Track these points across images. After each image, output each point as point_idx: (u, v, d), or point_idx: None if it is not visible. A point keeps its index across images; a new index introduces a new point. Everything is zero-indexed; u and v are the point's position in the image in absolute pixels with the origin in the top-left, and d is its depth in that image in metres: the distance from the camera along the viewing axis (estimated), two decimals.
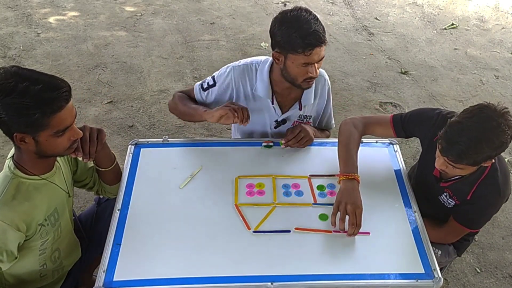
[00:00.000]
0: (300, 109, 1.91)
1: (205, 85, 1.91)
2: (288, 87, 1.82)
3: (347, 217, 1.52)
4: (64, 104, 1.29)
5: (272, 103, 1.89)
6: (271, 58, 1.81)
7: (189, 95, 1.95)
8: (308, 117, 1.97)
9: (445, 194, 1.68)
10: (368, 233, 1.55)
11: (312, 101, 1.92)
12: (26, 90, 1.22)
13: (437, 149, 1.49)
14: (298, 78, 1.72)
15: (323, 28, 1.66)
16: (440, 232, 1.70)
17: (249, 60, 1.90)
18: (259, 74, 1.85)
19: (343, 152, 1.71)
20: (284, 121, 1.94)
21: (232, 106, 1.73)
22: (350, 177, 1.60)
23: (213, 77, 1.90)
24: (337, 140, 1.82)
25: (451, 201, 1.67)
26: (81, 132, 1.40)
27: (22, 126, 1.27)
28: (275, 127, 1.96)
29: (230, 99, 1.88)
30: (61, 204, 1.52)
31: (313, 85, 1.87)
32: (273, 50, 1.73)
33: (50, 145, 1.33)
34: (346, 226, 1.52)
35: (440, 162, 1.51)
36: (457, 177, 1.62)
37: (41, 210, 1.42)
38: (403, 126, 1.75)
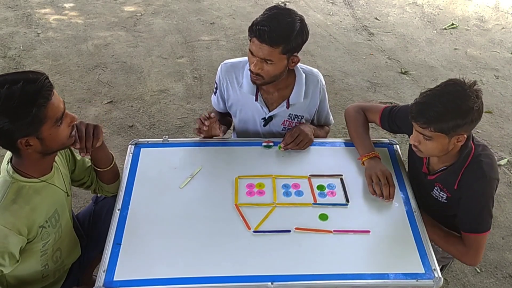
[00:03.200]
0: (287, 107, 1.90)
1: (214, 90, 1.99)
2: (272, 84, 1.82)
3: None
4: (51, 90, 1.29)
5: (256, 100, 1.88)
6: None
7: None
8: (300, 117, 1.94)
9: (436, 188, 1.68)
10: (369, 231, 1.55)
11: (302, 100, 1.89)
12: (10, 93, 1.21)
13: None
14: (249, 63, 1.76)
15: (285, 34, 1.61)
16: (462, 248, 1.62)
17: (241, 58, 1.93)
18: (245, 70, 1.86)
19: (356, 137, 1.85)
20: (270, 118, 1.94)
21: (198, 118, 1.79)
22: (371, 155, 1.75)
23: (215, 82, 1.97)
24: (337, 140, 1.89)
25: (443, 194, 1.67)
26: (75, 115, 1.40)
27: (24, 128, 1.26)
28: (264, 125, 1.96)
29: (224, 97, 1.96)
30: (61, 205, 1.52)
31: (304, 84, 1.87)
32: None
33: (53, 137, 1.33)
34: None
35: (413, 136, 1.55)
36: (442, 168, 1.63)
37: (42, 212, 1.42)
38: (389, 120, 1.82)
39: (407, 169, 1.84)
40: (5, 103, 1.21)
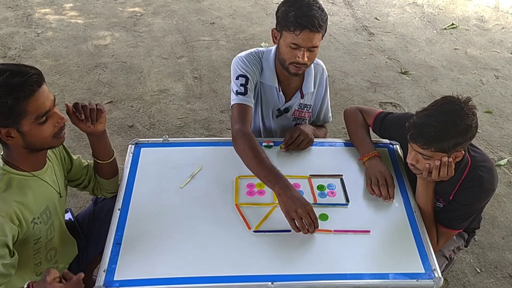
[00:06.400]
0: (302, 97, 1.94)
1: (241, 89, 1.78)
2: (289, 75, 1.82)
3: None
4: (36, 87, 1.29)
5: (279, 91, 1.91)
6: (275, 47, 1.84)
7: (245, 120, 1.74)
8: (308, 106, 1.99)
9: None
10: (369, 231, 1.56)
11: (313, 89, 1.96)
12: None
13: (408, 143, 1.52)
14: (286, 59, 1.74)
15: (324, 18, 1.67)
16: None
17: (250, 50, 1.91)
18: (264, 62, 1.87)
19: (355, 138, 1.87)
20: (287, 110, 1.96)
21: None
22: (371, 155, 1.77)
23: (239, 76, 1.81)
24: (337, 140, 1.91)
25: (439, 204, 1.68)
26: (64, 116, 1.40)
27: (2, 119, 1.27)
28: (277, 116, 1.98)
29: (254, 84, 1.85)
30: (53, 204, 1.51)
31: (313, 73, 1.91)
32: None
33: (35, 134, 1.33)
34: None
35: (411, 156, 1.54)
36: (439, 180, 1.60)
37: (33, 206, 1.42)
38: (381, 127, 1.84)
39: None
40: None
